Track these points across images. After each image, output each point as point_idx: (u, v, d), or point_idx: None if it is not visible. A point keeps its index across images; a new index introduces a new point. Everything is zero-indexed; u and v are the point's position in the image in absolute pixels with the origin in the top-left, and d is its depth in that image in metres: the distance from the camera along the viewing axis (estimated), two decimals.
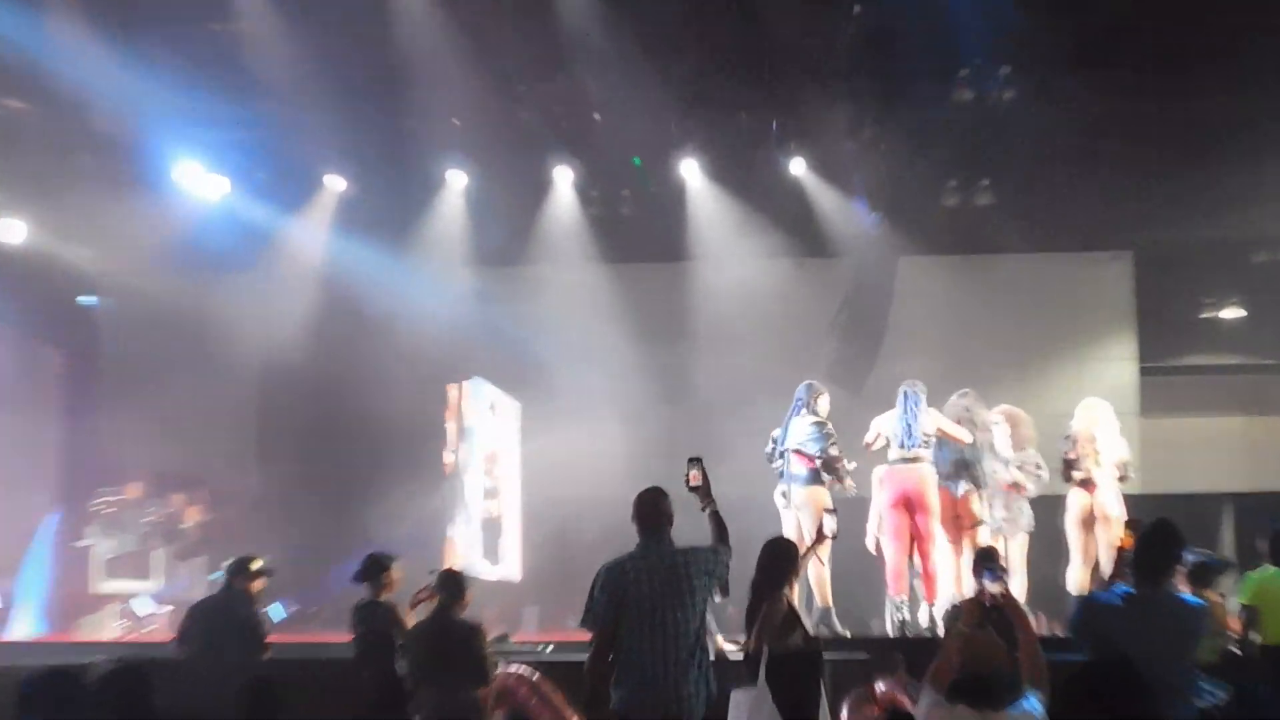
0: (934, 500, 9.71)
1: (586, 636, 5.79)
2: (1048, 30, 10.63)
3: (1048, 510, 10.30)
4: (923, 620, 9.65)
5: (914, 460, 9.72)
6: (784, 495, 10.06)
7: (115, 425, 13.54)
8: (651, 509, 5.79)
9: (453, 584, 7.44)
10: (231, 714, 5.71)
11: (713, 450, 6.94)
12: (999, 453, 10.24)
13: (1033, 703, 4.89)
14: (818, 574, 9.52)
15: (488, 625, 7.54)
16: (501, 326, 13.86)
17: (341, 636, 8.17)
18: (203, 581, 12.44)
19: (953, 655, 5.23)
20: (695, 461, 6.07)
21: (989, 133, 12.04)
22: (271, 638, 8.40)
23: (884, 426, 9.91)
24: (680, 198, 13.73)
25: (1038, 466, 10.40)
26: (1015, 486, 10.25)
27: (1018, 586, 9.79)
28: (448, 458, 12.79)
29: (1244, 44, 10.39)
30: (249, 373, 14.19)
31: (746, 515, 7.68)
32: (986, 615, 5.83)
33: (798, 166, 13.26)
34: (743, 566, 6.43)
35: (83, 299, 15.05)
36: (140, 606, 12.48)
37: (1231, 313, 14.93)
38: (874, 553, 10.08)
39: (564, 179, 13.71)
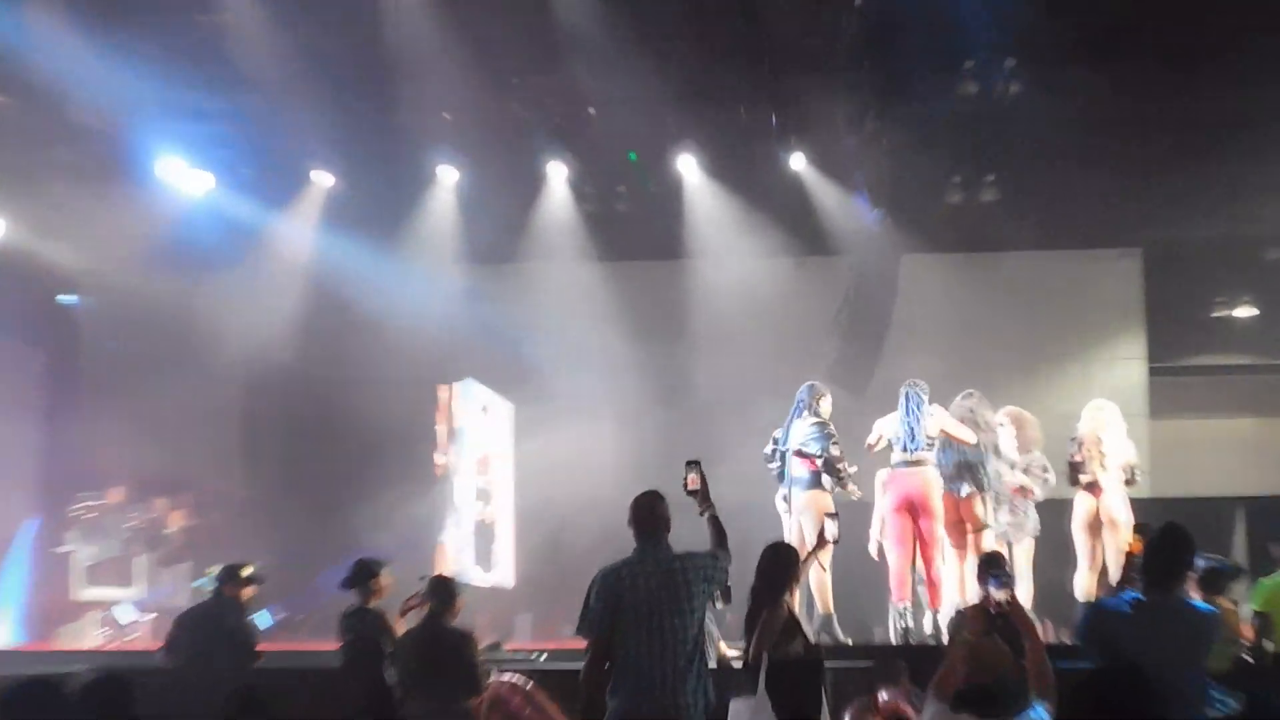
0: (938, 504, 9.70)
1: (582, 644, 5.78)
2: (1054, 22, 10.65)
3: (1054, 514, 10.30)
4: (927, 627, 9.64)
5: (917, 463, 9.70)
6: (785, 499, 10.06)
7: (96, 427, 13.52)
8: (648, 513, 5.78)
9: (443, 590, 7.43)
10: None
11: (711, 453, 6.94)
12: (1004, 455, 10.24)
13: (1039, 712, 4.90)
14: (819, 580, 9.51)
15: (480, 633, 7.55)
16: (494, 326, 13.87)
17: (329, 644, 8.16)
18: (187, 588, 12.45)
19: (957, 664, 5.23)
20: (693, 464, 6.06)
21: (994, 127, 12.05)
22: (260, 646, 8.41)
23: (886, 428, 9.90)
24: (677, 194, 13.74)
25: (1044, 469, 10.40)
26: (1021, 490, 10.25)
27: (1024, 592, 9.79)
28: (439, 461, 12.80)
29: (1256, 38, 10.40)
30: (234, 373, 14.18)
31: (746, 519, 7.68)
32: (992, 623, 5.83)
33: (798, 162, 13.27)
34: (743, 572, 6.43)
35: (63, 298, 15.05)
36: (122, 614, 12.47)
37: (1243, 311, 14.95)
38: (877, 558, 10.08)
39: (558, 175, 13.70)
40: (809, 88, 11.94)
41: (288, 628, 12.31)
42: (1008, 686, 4.95)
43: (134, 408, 13.14)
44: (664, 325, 14.15)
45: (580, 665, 5.72)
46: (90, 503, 13.25)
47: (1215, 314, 15.01)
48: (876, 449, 9.94)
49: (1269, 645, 7.90)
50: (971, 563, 9.55)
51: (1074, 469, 9.98)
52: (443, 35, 10.97)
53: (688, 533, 5.93)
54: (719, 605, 6.16)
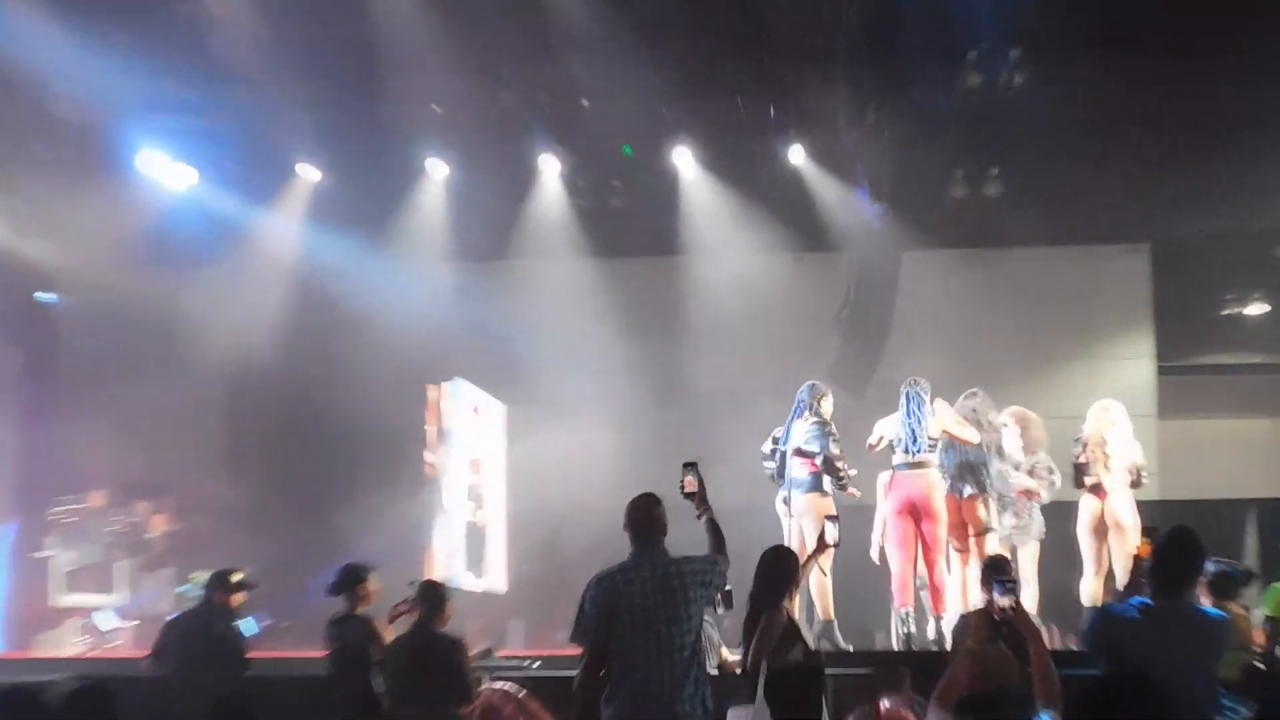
0: (941, 507, 9.71)
1: (576, 651, 5.79)
2: (1060, 10, 10.65)
3: (1060, 517, 10.31)
4: (929, 633, 9.65)
5: (920, 465, 9.72)
6: (785, 502, 10.07)
7: (76, 429, 13.49)
8: (644, 516, 5.79)
9: (434, 596, 7.43)
10: None
11: (709, 454, 6.96)
12: (1008, 456, 10.25)
13: None
14: (819, 584, 9.52)
15: (471, 639, 7.54)
16: (485, 324, 13.86)
17: (316, 652, 8.15)
18: (170, 594, 12.44)
19: (961, 671, 5.24)
20: (690, 466, 6.07)
21: (998, 120, 12.04)
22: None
23: (887, 429, 9.91)
24: (673, 188, 13.74)
25: (1049, 471, 10.41)
26: (1027, 493, 10.27)
27: (1029, 598, 9.81)
28: (429, 459, 12.79)
29: (1268, 28, 10.41)
30: (218, 374, 14.14)
31: (745, 522, 7.70)
32: (996, 629, 5.83)
33: (797, 155, 13.28)
34: (741, 576, 6.44)
35: (41, 295, 15.00)
36: (103, 621, 12.45)
37: (1254, 309, 14.98)
38: (878, 562, 10.10)
39: (550, 168, 13.70)
40: (808, 79, 11.92)
41: (273, 634, 12.30)
42: (1012, 694, 4.95)
43: (115, 409, 13.13)
44: (660, 323, 14.15)
45: (575, 673, 5.72)
46: (70, 506, 13.21)
47: (1225, 311, 15.04)
48: (878, 449, 9.96)
49: None
50: (974, 567, 9.57)
51: (1078, 471, 10.01)
52: (432, 25, 10.96)
53: (685, 536, 5.94)
54: (720, 611, 6.17)
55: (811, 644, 6.93)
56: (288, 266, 13.88)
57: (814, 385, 10.15)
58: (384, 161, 13.47)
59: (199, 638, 8.18)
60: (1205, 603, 6.72)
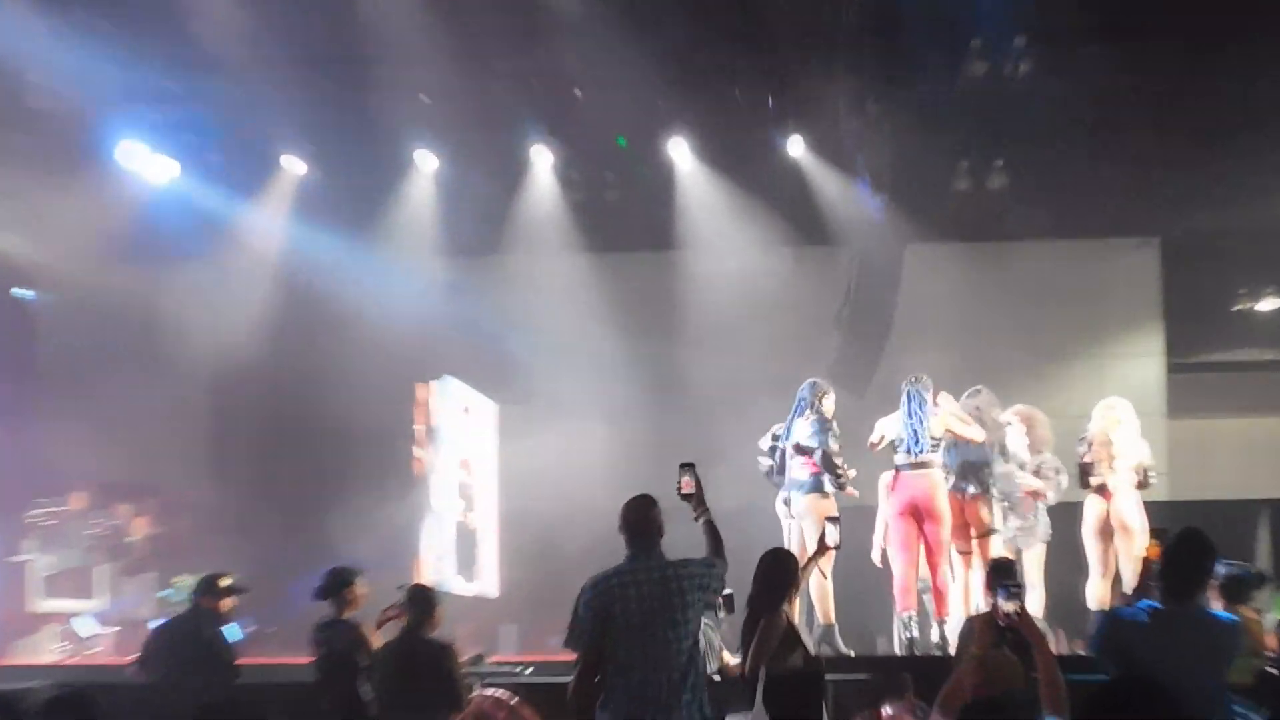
0: (945, 509, 9.72)
1: (570, 657, 5.79)
2: None
3: (1067, 518, 10.33)
4: (933, 638, 9.66)
5: (923, 465, 9.73)
6: (785, 503, 10.08)
7: (55, 429, 13.47)
8: (640, 518, 5.79)
9: (423, 600, 7.44)
10: None
11: (706, 454, 6.97)
12: (1014, 456, 10.26)
13: None
14: (820, 588, 9.53)
15: (461, 645, 7.54)
16: (475, 321, 13.86)
17: (302, 658, 8.16)
18: (151, 600, 12.43)
19: (965, 677, 5.24)
20: (687, 467, 6.07)
21: (1003, 110, 12.06)
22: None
23: (889, 428, 9.92)
24: (669, 181, 13.73)
25: (1056, 471, 10.43)
26: (1033, 493, 10.28)
27: (1035, 601, 9.82)
28: (417, 454, 12.80)
29: None
30: (201, 372, 14.14)
31: (744, 524, 7.70)
32: (1001, 635, 5.84)
33: (796, 146, 13.27)
34: (741, 580, 6.45)
35: (18, 291, 14.99)
36: (83, 627, 12.43)
37: (1267, 304, 15.00)
38: (880, 565, 10.10)
39: (543, 161, 13.68)
40: (808, 67, 11.93)
41: (258, 641, 12.28)
42: (1018, 701, 4.96)
43: (95, 408, 13.12)
44: (655, 320, 14.15)
45: (568, 679, 5.73)
46: (49, 509, 13.19)
47: (1237, 307, 15.05)
48: (879, 448, 9.97)
49: None
50: (978, 570, 9.58)
51: (1083, 471, 10.02)
52: (420, 13, 10.96)
53: (682, 539, 5.94)
54: (722, 615, 6.16)
55: (812, 649, 6.93)
56: (272, 261, 13.87)
57: (815, 383, 10.16)
58: (371, 153, 13.46)
59: (188, 644, 8.16)
60: (1216, 606, 6.72)
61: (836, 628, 9.65)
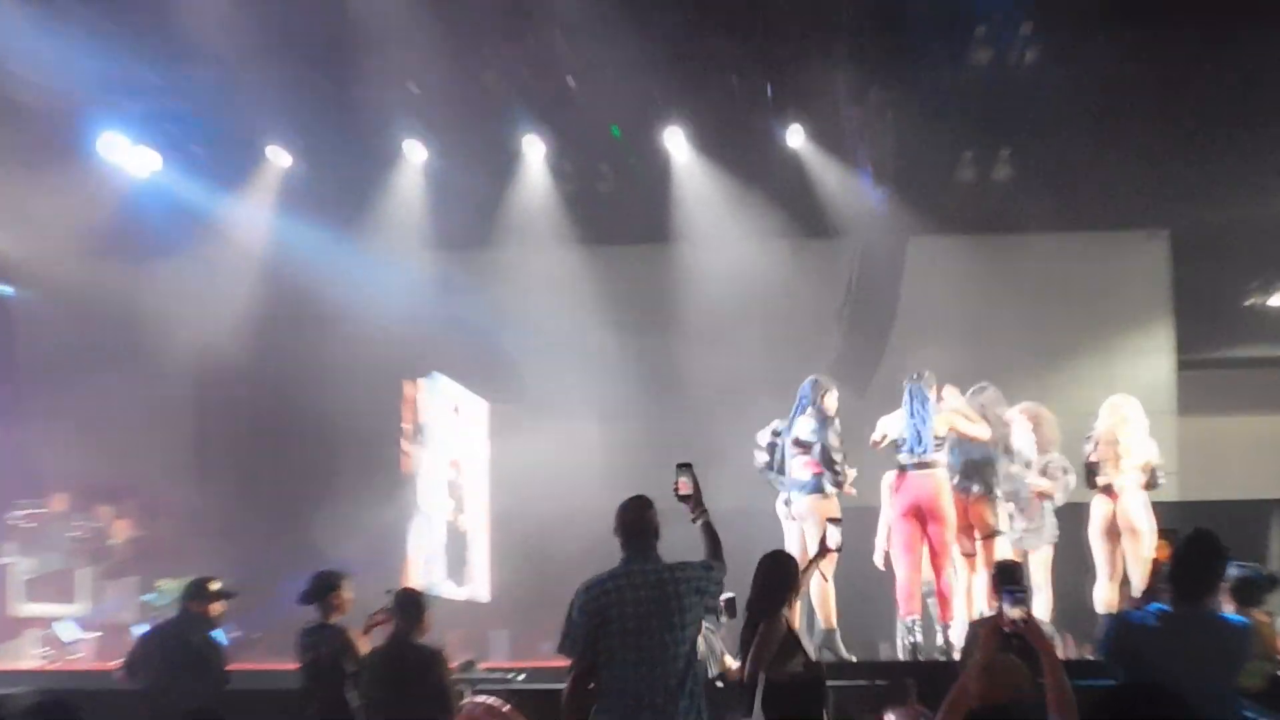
0: (949, 510, 9.73)
1: (564, 663, 5.79)
2: None
3: (1074, 519, 10.33)
4: (937, 643, 9.67)
5: (927, 465, 9.73)
6: (786, 504, 10.09)
7: (35, 429, 13.48)
8: (636, 520, 5.79)
9: (411, 605, 7.44)
10: None
11: (704, 454, 6.95)
12: (1021, 455, 10.26)
13: None
14: (821, 591, 9.54)
15: (451, 651, 7.56)
16: (465, 317, 13.85)
17: (288, 664, 8.16)
18: (134, 604, 12.42)
19: (970, 682, 5.24)
20: (684, 467, 6.05)
21: (1009, 98, 12.06)
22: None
23: (891, 427, 9.92)
24: (665, 172, 13.74)
25: (1064, 470, 10.43)
26: (1040, 493, 10.28)
27: (1042, 605, 9.84)
28: (406, 449, 12.79)
29: None
30: (184, 370, 14.14)
31: (743, 526, 7.70)
32: (1006, 643, 5.84)
33: (796, 136, 13.28)
34: (740, 583, 6.45)
35: None
36: (64, 632, 12.43)
37: None
38: (883, 568, 10.11)
39: (535, 152, 13.69)
40: (808, 55, 11.92)
41: (243, 646, 12.27)
42: (1024, 707, 4.96)
43: (76, 408, 13.11)
44: (651, 315, 14.16)
45: (562, 686, 5.73)
46: (29, 511, 13.17)
47: (1249, 302, 15.06)
48: (882, 446, 9.97)
49: None
50: (983, 572, 9.59)
51: (1089, 470, 10.02)
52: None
53: (679, 541, 5.94)
54: (723, 619, 6.16)
55: (812, 654, 6.95)
56: (257, 256, 13.85)
57: (817, 380, 10.16)
58: (359, 145, 13.45)
59: (176, 649, 8.16)
60: (1227, 609, 6.73)
61: (838, 632, 9.66)
